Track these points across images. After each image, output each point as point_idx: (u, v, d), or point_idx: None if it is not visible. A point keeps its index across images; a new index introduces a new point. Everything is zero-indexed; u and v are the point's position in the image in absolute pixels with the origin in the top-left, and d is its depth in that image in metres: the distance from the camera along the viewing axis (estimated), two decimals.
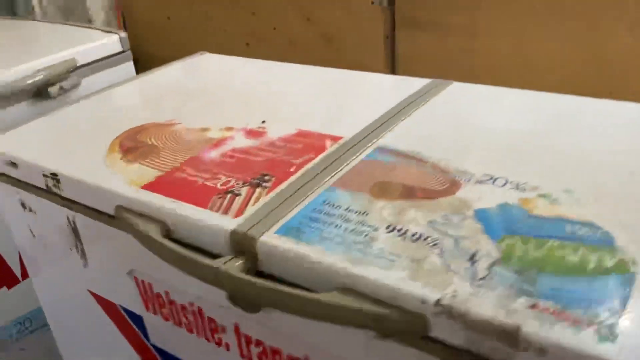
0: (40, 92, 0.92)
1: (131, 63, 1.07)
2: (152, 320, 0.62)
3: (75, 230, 0.63)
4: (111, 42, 1.02)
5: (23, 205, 0.69)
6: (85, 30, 1.07)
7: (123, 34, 1.04)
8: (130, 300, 0.63)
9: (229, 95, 0.76)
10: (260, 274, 0.46)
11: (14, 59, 0.92)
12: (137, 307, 0.62)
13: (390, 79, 0.76)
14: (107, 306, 0.68)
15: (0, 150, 0.67)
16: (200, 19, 1.34)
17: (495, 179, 0.49)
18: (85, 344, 0.79)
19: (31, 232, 0.72)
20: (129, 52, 1.06)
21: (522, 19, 0.92)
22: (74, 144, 0.67)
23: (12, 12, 1.43)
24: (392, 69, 1.10)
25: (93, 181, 0.57)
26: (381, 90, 0.72)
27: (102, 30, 1.05)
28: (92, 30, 1.06)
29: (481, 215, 0.44)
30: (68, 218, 0.63)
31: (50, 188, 0.62)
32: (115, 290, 0.65)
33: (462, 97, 0.67)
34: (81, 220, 0.61)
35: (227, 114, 0.70)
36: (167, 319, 0.59)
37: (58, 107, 0.79)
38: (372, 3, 1.05)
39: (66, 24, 1.14)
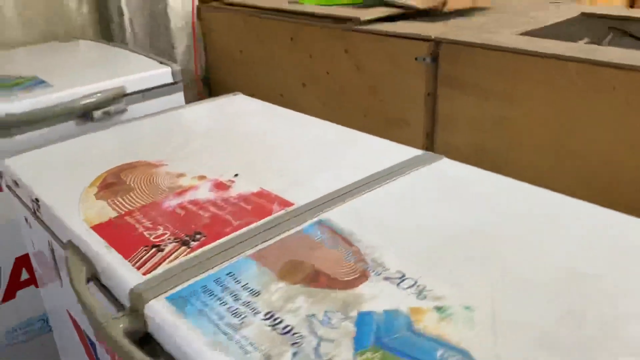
0: (86, 115, 1.00)
1: (181, 94, 1.13)
2: (100, 351, 0.65)
3: (52, 253, 0.68)
4: (162, 73, 1.09)
5: (26, 219, 0.76)
6: (145, 59, 1.16)
7: (176, 67, 1.11)
8: (87, 327, 0.66)
9: (227, 141, 0.78)
10: (149, 337, 0.47)
11: (68, 81, 1.01)
12: (92, 335, 0.66)
13: (383, 145, 0.73)
14: (77, 327, 0.72)
15: (11, 167, 0.74)
16: (266, 56, 1.39)
17: (405, 279, 0.46)
18: (72, 355, 0.84)
19: (32, 244, 0.78)
20: (180, 84, 1.13)
21: (561, 90, 0.85)
22: (70, 173, 0.72)
23: (109, 36, 1.57)
24: (432, 127, 1.06)
25: (58, 212, 0.62)
26: (367, 156, 0.70)
27: (159, 62, 1.13)
28: (151, 60, 1.14)
29: (362, 319, 0.42)
30: (48, 241, 0.68)
31: (35, 212, 0.68)
32: (79, 315, 0.68)
33: (439, 177, 0.64)
34: (54, 245, 0.66)
35: (212, 161, 0.71)
36: (107, 352, 0.62)
37: (100, 129, 0.86)
38: (416, 59, 1.03)
39: (131, 51, 1.24)
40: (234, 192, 0.63)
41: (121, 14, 1.51)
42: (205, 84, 1.64)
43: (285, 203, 0.59)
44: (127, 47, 1.28)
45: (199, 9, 1.56)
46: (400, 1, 1.19)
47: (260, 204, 0.59)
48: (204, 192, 0.63)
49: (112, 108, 1.02)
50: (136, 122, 0.89)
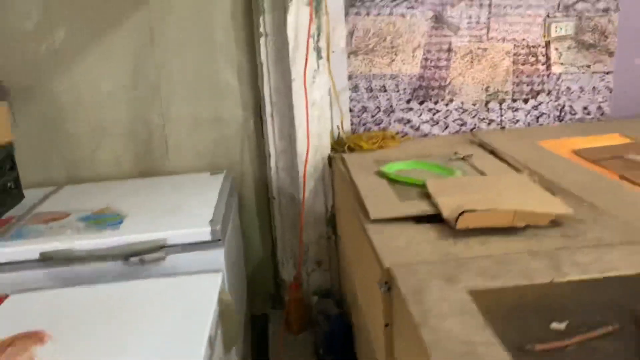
0: (126, 259, 1.22)
1: (221, 251, 1.25)
2: None
3: None
4: (202, 232, 1.24)
5: None
6: (202, 209, 1.33)
7: (217, 227, 1.24)
8: None
9: (111, 330, 0.88)
10: None
11: (133, 226, 1.25)
12: None
13: None
14: None
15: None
16: (344, 221, 1.39)
17: None
18: None
19: None
20: (221, 242, 1.25)
21: None
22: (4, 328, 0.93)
23: (264, 172, 1.79)
24: None
25: None
26: None
27: (210, 220, 1.27)
28: (203, 214, 1.30)
29: None
30: None
31: None
32: None
33: None
34: None
35: (73, 350, 0.82)
36: None
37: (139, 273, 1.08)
38: (377, 283, 0.89)
39: (193, 196, 1.43)
40: None
41: (269, 156, 1.72)
42: (330, 224, 1.70)
43: None
44: (226, 193, 1.46)
45: (330, 158, 1.65)
46: (437, 202, 1.06)
47: None
48: None
49: (147, 256, 1.22)
50: (101, 286, 1.06)
